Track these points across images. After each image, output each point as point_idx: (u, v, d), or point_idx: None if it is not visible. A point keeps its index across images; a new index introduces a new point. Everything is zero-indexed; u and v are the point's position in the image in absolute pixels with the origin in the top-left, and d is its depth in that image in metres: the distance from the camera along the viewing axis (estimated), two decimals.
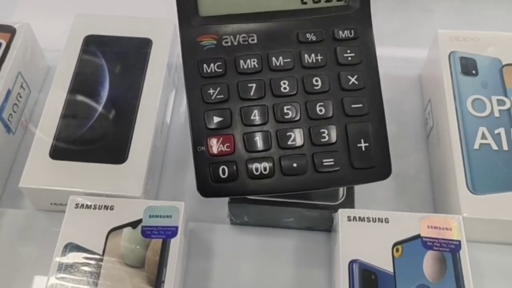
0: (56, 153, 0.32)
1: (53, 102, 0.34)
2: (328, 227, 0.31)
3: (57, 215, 0.32)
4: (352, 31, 0.25)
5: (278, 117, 0.25)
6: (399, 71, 0.41)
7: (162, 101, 0.35)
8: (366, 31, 0.26)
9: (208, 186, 0.25)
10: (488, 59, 0.36)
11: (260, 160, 0.24)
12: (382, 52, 0.44)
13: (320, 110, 0.25)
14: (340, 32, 0.25)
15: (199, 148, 0.25)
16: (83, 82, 0.35)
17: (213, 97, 0.25)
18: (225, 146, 0.24)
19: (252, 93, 0.25)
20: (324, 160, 0.24)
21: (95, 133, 0.32)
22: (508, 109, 0.34)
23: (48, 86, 0.39)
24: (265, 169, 0.24)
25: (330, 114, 0.25)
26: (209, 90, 0.25)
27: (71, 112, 0.33)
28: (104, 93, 0.34)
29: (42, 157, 0.31)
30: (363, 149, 0.25)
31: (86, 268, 0.26)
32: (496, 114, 0.34)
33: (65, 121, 0.33)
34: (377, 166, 0.25)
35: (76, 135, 0.32)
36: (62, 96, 0.34)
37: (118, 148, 0.32)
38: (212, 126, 0.25)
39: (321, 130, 0.25)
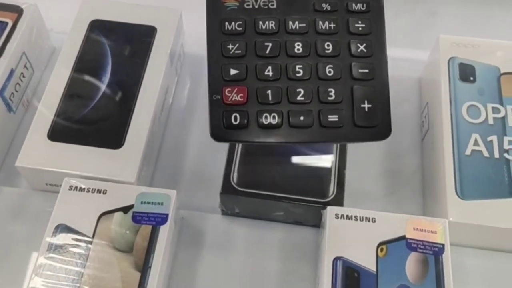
0: (54, 135, 0.32)
1: (55, 83, 0.34)
2: (316, 223, 0.32)
3: (52, 196, 0.33)
4: (365, 4, 0.28)
5: (290, 75, 0.27)
6: (400, 72, 0.41)
7: (162, 89, 0.35)
8: (377, 6, 0.28)
9: (221, 131, 0.27)
10: (487, 67, 0.36)
11: (270, 111, 0.26)
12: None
13: (329, 72, 0.27)
14: (354, 4, 0.27)
15: (215, 97, 0.27)
16: (86, 65, 0.35)
17: (231, 52, 0.27)
18: (238, 96, 0.26)
19: (267, 52, 0.27)
20: (329, 116, 0.26)
21: (94, 117, 0.33)
22: (503, 117, 0.34)
23: (52, 67, 0.40)
24: (274, 119, 0.26)
25: (338, 76, 0.27)
26: (228, 45, 0.27)
27: (71, 94, 0.34)
28: (106, 78, 0.35)
29: (40, 137, 0.32)
30: (366, 109, 0.27)
31: (75, 250, 0.27)
32: (490, 121, 0.34)
33: (65, 103, 0.33)
34: (378, 126, 0.27)
35: (75, 118, 0.33)
36: (64, 78, 0.34)
37: (116, 133, 0.32)
38: (228, 78, 0.27)
39: (329, 89, 0.27)
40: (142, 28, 0.37)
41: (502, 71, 0.36)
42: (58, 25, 0.41)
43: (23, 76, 0.37)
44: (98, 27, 0.37)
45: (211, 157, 0.36)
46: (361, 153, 0.37)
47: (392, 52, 0.44)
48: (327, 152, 0.32)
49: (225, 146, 0.36)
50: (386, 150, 0.38)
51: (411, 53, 0.44)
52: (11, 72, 0.36)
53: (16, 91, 0.37)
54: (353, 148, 0.36)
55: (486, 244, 0.32)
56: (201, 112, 0.39)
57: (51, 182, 0.32)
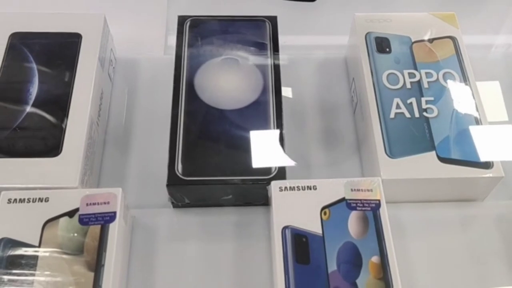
0: None
1: None
2: (265, 201, 0.33)
3: None
4: None
5: None
6: (328, 56, 0.44)
7: (95, 94, 0.35)
8: None
9: None
10: (399, 37, 0.40)
11: None
12: (311, 40, 0.47)
13: None
14: None
15: None
16: (10, 79, 0.34)
17: None
18: None
19: None
20: None
21: (27, 129, 0.32)
22: (418, 81, 0.37)
23: None
24: None
25: None
26: None
27: None
28: (34, 89, 0.34)
29: None
30: None
31: (22, 261, 0.26)
32: (408, 86, 0.37)
33: None
34: None
35: (6, 132, 0.32)
36: None
37: (52, 142, 0.32)
38: None
39: None
40: (66, 35, 0.37)
41: (413, 40, 0.40)
42: None
43: None
44: (19, 39, 0.36)
45: (155, 154, 0.37)
46: (299, 131, 0.39)
47: (315, 39, 0.47)
48: (265, 130, 0.34)
49: (167, 143, 0.36)
50: (322, 126, 0.40)
51: (333, 38, 0.47)
52: None
53: None
54: (290, 126, 0.38)
55: (419, 197, 0.35)
56: (141, 113, 0.39)
57: None
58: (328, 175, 0.37)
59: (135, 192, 0.35)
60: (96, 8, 0.45)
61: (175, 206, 0.34)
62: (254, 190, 0.32)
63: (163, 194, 0.33)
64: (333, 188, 0.30)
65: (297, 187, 0.30)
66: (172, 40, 0.44)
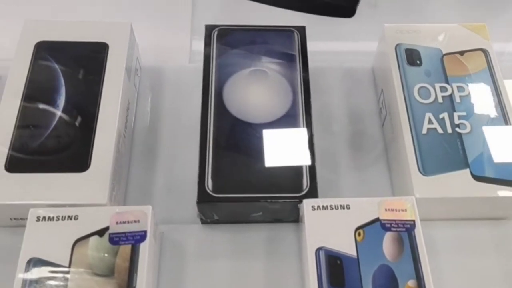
0: (13, 166, 0.30)
1: (6, 113, 0.32)
2: (296, 218, 0.33)
3: (19, 230, 0.31)
4: None
5: None
6: (353, 65, 0.43)
7: (122, 105, 0.35)
8: None
9: None
10: (430, 50, 0.39)
11: None
12: (336, 46, 0.46)
13: None
14: None
15: None
16: (37, 90, 0.34)
17: None
18: None
19: None
20: None
21: (54, 142, 0.32)
22: (450, 95, 0.36)
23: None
24: None
25: None
26: None
27: (26, 122, 0.32)
28: (61, 101, 0.34)
29: None
30: None
31: (52, 282, 0.26)
32: (440, 100, 0.36)
33: (20, 132, 0.32)
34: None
35: (33, 146, 0.31)
36: (15, 106, 0.33)
37: (80, 156, 0.31)
38: None
39: None
40: (92, 45, 0.36)
41: (444, 52, 0.39)
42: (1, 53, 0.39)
43: None
44: (45, 49, 0.36)
45: (181, 168, 0.36)
46: (325, 145, 0.38)
47: (342, 46, 0.46)
48: (295, 146, 0.33)
49: (195, 155, 0.36)
50: (349, 138, 0.39)
51: (361, 45, 0.46)
52: None
53: None
54: (316, 138, 0.37)
55: (451, 214, 0.34)
56: (167, 124, 0.38)
57: (16, 216, 0.31)
58: (356, 191, 0.36)
59: (162, 207, 0.34)
60: (119, 16, 0.44)
61: (203, 222, 0.33)
62: (284, 207, 0.32)
63: (191, 208, 0.33)
64: (366, 208, 0.30)
65: (330, 206, 0.30)
66: (197, 48, 0.44)
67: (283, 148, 0.33)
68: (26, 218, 0.30)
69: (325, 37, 0.45)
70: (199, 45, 0.44)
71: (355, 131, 0.40)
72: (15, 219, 0.31)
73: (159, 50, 0.44)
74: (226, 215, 0.32)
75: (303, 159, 0.32)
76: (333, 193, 0.35)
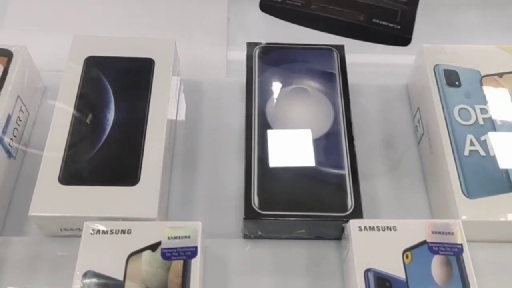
0: (65, 178, 0.31)
1: (58, 126, 0.33)
2: (336, 235, 0.33)
3: (67, 240, 0.32)
4: None
5: None
6: (386, 81, 0.44)
7: (169, 120, 0.35)
8: None
9: None
10: (469, 71, 0.39)
11: None
12: (369, 62, 0.46)
13: None
14: None
15: None
16: (87, 104, 0.34)
17: None
18: None
19: None
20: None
21: (105, 156, 0.32)
22: (491, 117, 0.37)
23: (45, 107, 0.39)
24: None
25: None
26: None
27: (77, 135, 0.33)
28: (110, 115, 0.34)
29: (50, 183, 0.31)
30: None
31: None
32: (481, 122, 0.36)
33: (72, 145, 0.33)
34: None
35: (85, 159, 0.32)
36: (66, 119, 0.34)
37: (129, 169, 0.32)
38: None
39: None
40: (139, 61, 0.37)
41: (482, 74, 0.39)
42: (47, 64, 0.40)
43: (20, 120, 0.36)
44: (94, 63, 0.37)
45: (221, 182, 0.36)
46: (360, 162, 0.38)
47: (376, 59, 0.46)
48: (339, 165, 0.33)
49: (234, 169, 0.36)
50: (384, 155, 0.39)
51: (395, 61, 0.46)
52: (9, 118, 0.34)
53: (15, 136, 0.35)
54: None
55: (497, 237, 0.34)
56: (206, 137, 0.39)
57: (66, 227, 0.31)
58: (393, 211, 0.36)
59: (203, 220, 0.35)
60: (154, 30, 0.45)
61: (246, 237, 0.33)
62: (328, 226, 0.32)
63: (233, 222, 0.33)
64: (413, 230, 0.30)
65: (377, 227, 0.30)
66: (233, 62, 0.44)
67: (327, 167, 0.33)
68: (76, 229, 0.31)
69: (359, 51, 0.46)
70: (235, 60, 0.45)
71: (389, 149, 0.40)
72: (65, 229, 0.32)
73: (197, 64, 0.44)
74: (270, 231, 0.33)
75: (347, 178, 0.33)
76: (369, 212, 0.35)
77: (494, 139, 0.35)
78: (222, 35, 0.47)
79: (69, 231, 0.32)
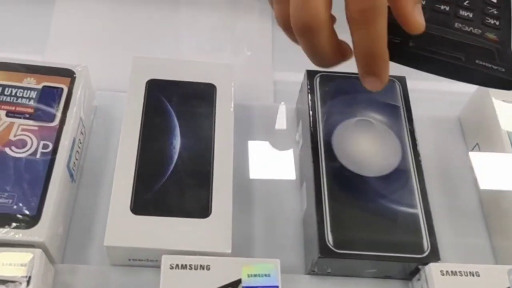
0: (137, 208, 0.31)
1: (125, 153, 0.33)
2: (403, 275, 0.32)
3: (135, 270, 0.31)
4: None
5: None
6: (438, 113, 0.43)
7: (233, 148, 0.35)
8: None
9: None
10: None
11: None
12: (419, 91, 0.45)
13: None
14: None
15: None
16: (153, 130, 0.34)
17: None
18: None
19: None
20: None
21: (174, 185, 0.32)
22: None
23: (98, 127, 0.38)
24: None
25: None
26: None
27: (145, 163, 0.32)
28: (177, 142, 0.34)
29: (123, 212, 0.30)
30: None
31: None
32: None
33: (141, 173, 0.32)
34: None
35: (155, 188, 0.31)
36: (133, 146, 0.33)
37: (200, 200, 0.31)
38: None
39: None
40: (201, 86, 0.37)
41: None
42: (99, 83, 0.39)
43: (80, 142, 0.36)
44: (156, 87, 0.36)
45: (279, 211, 0.36)
46: None
47: (431, 87, 0.45)
48: (411, 203, 0.33)
49: (291, 199, 0.35)
50: (442, 194, 0.38)
51: (446, 92, 0.46)
52: (73, 141, 0.34)
53: (77, 159, 0.35)
54: None
55: None
56: (257, 164, 0.38)
57: (135, 257, 0.31)
58: (453, 253, 0.35)
59: (264, 254, 0.34)
60: (198, 53, 0.45)
61: (312, 273, 0.33)
62: (402, 267, 0.31)
63: (293, 257, 0.32)
64: (497, 276, 0.29)
65: (459, 272, 0.29)
66: (279, 88, 0.44)
67: (399, 205, 0.33)
68: (144, 260, 0.30)
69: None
70: (281, 85, 0.45)
71: (447, 185, 0.39)
72: (133, 259, 0.31)
73: (244, 89, 0.44)
74: (341, 269, 0.32)
75: (420, 218, 0.32)
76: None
77: None
78: (267, 58, 0.46)
79: (137, 261, 0.31)
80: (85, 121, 0.37)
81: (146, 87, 0.36)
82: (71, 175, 0.34)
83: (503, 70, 0.25)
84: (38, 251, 0.27)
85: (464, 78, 0.26)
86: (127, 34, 0.45)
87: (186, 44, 0.47)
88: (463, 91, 0.46)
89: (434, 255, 0.30)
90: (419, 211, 0.32)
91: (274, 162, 0.39)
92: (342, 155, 0.35)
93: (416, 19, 0.23)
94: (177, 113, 0.35)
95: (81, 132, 0.36)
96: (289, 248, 0.34)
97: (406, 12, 0.23)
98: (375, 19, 0.22)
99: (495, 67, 0.25)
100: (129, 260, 0.31)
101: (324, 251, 0.30)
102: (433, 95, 0.45)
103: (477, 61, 0.25)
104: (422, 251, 0.31)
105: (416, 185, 0.34)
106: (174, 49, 0.45)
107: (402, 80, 0.39)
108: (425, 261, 0.30)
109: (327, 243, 0.30)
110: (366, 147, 0.36)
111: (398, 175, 0.34)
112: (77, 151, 0.35)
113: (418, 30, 0.23)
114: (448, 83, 0.45)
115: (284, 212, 0.36)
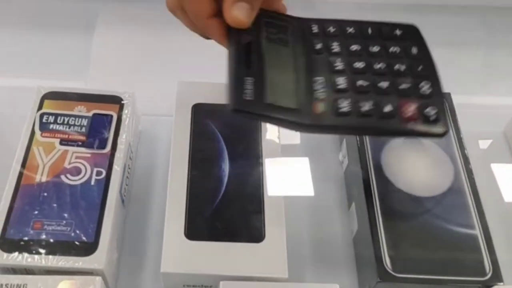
0: (191, 233, 0.30)
1: (176, 178, 0.33)
2: None
3: None
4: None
5: None
6: (483, 129, 0.42)
7: None
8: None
9: None
10: None
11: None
12: (467, 101, 0.44)
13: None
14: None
15: None
16: (201, 154, 0.34)
17: None
18: None
19: None
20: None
21: (226, 210, 0.32)
22: None
23: (142, 150, 0.39)
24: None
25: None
26: None
27: (197, 187, 0.32)
28: (226, 166, 0.34)
29: (178, 238, 0.30)
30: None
31: None
32: None
33: (193, 198, 0.32)
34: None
35: (208, 213, 0.31)
36: (183, 171, 0.33)
37: (254, 225, 0.31)
38: None
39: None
40: None
41: None
42: (142, 107, 0.40)
43: (129, 168, 0.36)
44: (202, 111, 0.37)
45: (326, 238, 0.35)
46: None
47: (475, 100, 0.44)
48: (469, 224, 0.32)
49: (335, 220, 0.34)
50: (495, 214, 0.37)
51: (490, 105, 0.44)
52: (125, 167, 0.34)
53: (127, 185, 0.35)
54: None
55: None
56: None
57: (190, 283, 0.30)
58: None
59: (316, 277, 0.33)
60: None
61: None
62: None
63: (347, 280, 0.32)
64: None
65: None
66: None
67: (456, 226, 0.32)
68: (199, 286, 0.30)
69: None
70: None
71: (498, 203, 0.38)
72: (187, 285, 0.31)
73: None
74: None
75: (480, 239, 0.31)
76: None
77: None
78: None
79: (191, 287, 0.31)
80: (133, 146, 0.37)
81: (192, 111, 0.37)
82: (123, 201, 0.34)
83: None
84: (98, 278, 0.28)
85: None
86: (167, 58, 0.46)
87: (210, 64, 0.47)
88: (508, 104, 0.45)
89: (497, 277, 0.29)
90: (477, 231, 0.31)
91: (317, 182, 0.39)
92: (393, 175, 0.34)
93: (233, 14, 0.26)
94: (224, 136, 0.35)
95: (130, 158, 0.36)
96: (341, 272, 0.34)
97: (224, 8, 0.26)
98: None
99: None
100: (184, 286, 0.31)
101: (383, 275, 0.29)
102: (477, 109, 0.44)
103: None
104: (484, 274, 0.30)
105: (472, 204, 0.33)
106: (217, 73, 0.45)
107: (447, 97, 0.39)
108: (488, 284, 0.29)
109: (385, 267, 0.30)
110: (418, 166, 0.35)
111: (452, 195, 0.33)
112: (127, 177, 0.35)
113: (236, 24, 0.27)
114: (493, 97, 0.45)
115: (332, 234, 0.36)
